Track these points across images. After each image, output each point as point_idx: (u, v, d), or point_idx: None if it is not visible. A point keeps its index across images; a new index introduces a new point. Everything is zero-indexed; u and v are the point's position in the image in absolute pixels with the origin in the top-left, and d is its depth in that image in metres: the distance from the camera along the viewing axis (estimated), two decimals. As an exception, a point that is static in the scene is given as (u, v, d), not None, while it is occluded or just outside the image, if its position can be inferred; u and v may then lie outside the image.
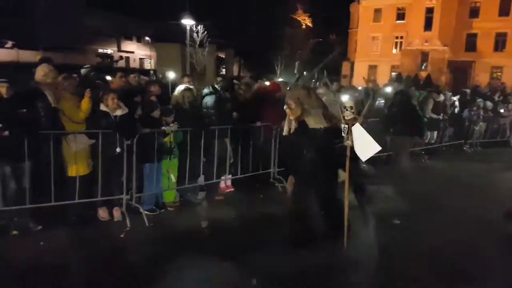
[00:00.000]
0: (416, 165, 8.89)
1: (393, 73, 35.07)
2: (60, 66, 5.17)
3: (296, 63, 30.43)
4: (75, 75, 5.87)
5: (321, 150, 4.22)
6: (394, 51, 40.90)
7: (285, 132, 4.59)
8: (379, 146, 4.13)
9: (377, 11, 41.43)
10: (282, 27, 43.17)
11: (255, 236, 4.87)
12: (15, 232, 4.59)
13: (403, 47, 39.45)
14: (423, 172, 8.62)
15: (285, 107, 4.43)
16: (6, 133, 4.33)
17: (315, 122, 4.28)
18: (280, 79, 12.45)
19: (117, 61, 34.81)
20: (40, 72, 4.99)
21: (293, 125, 4.44)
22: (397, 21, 40.32)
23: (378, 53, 41.51)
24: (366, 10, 41.84)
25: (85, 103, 4.94)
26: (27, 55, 30.64)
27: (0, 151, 4.38)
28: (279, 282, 3.84)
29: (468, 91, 13.01)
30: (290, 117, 4.42)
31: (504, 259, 4.47)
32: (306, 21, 49.70)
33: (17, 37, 31.44)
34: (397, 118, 7.57)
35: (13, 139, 4.37)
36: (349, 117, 4.38)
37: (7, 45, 32.44)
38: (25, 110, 4.50)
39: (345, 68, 44.34)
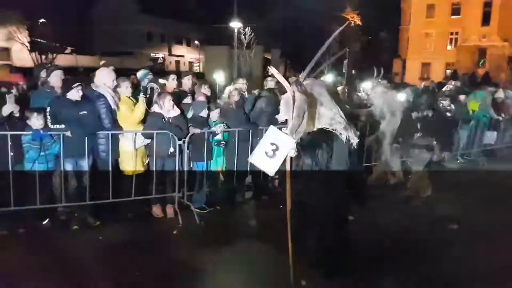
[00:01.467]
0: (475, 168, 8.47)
1: (448, 71, 33.49)
2: (115, 70, 5.48)
3: (345, 62, 29.82)
4: (132, 77, 6.17)
5: None
6: (448, 47, 39.06)
7: None
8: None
9: (430, 7, 39.73)
10: (329, 26, 42.57)
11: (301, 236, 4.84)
12: (75, 227, 4.89)
13: (458, 44, 37.53)
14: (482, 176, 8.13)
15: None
16: (69, 133, 4.63)
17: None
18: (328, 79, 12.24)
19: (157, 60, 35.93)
20: (100, 76, 5.28)
21: None
22: (452, 17, 38.45)
23: (431, 50, 39.81)
24: (418, 6, 40.25)
25: (140, 107, 5.18)
26: (85, 60, 32.60)
27: (63, 150, 4.69)
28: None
29: None
30: None
31: None
32: (355, 19, 48.65)
33: (76, 43, 33.52)
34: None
35: (75, 139, 4.67)
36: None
37: (66, 51, 34.71)
38: (85, 112, 4.80)
39: (396, 66, 42.92)
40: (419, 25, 40.26)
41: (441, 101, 8.62)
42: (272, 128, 3.44)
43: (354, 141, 3.64)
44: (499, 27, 34.18)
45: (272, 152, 3.38)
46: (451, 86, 10.14)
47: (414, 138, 5.62)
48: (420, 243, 4.71)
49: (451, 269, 4.18)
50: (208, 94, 6.25)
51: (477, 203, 6.05)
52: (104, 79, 5.17)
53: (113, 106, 5.07)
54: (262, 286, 3.81)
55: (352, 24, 48.22)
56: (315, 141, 3.58)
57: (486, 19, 35.01)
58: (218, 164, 5.84)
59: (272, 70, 3.68)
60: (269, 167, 3.40)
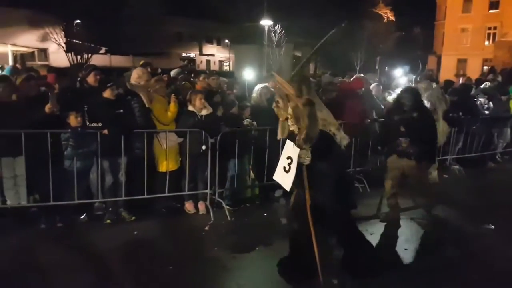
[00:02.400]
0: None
1: (485, 67, 32.20)
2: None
3: (377, 58, 29.22)
4: (165, 77, 6.30)
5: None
6: (486, 43, 37.49)
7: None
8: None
9: (467, 1, 38.26)
10: (361, 22, 41.80)
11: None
12: (108, 221, 5.05)
13: (496, 39, 35.98)
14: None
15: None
16: (105, 131, 4.79)
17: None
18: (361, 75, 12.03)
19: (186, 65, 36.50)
20: (135, 75, 5.44)
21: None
22: (490, 11, 36.87)
23: (467, 46, 38.35)
24: (454, 0, 38.89)
25: (172, 107, 5.30)
26: (118, 60, 33.44)
27: (100, 148, 4.85)
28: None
29: None
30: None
31: None
32: (388, 14, 47.60)
33: (109, 43, 34.42)
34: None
35: (111, 137, 4.82)
36: None
37: (101, 51, 35.74)
38: (121, 110, 4.94)
39: (431, 62, 41.66)
40: (454, 20, 38.89)
41: (479, 99, 8.32)
42: (288, 143, 3.48)
43: (345, 141, 3.65)
44: (540, 21, 32.59)
45: (288, 166, 3.45)
46: (489, 83, 9.76)
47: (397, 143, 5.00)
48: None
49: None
50: (238, 93, 6.30)
51: None
52: (138, 77, 5.31)
53: (147, 105, 5.19)
54: (291, 284, 3.79)
55: (385, 20, 47.21)
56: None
57: (526, 13, 33.45)
58: (250, 162, 5.87)
59: (275, 76, 3.62)
60: (287, 182, 3.47)
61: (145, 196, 5.14)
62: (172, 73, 6.76)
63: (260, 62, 27.04)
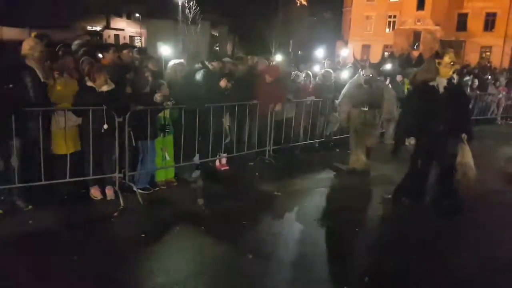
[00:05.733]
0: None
1: (386, 53, 34.84)
2: (49, 43, 4.97)
3: (291, 41, 30.03)
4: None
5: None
6: (387, 30, 40.54)
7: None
8: None
9: (371, -11, 40.85)
10: (276, 5, 42.41)
11: (248, 214, 4.83)
12: (0, 212, 4.46)
13: (396, 27, 39.09)
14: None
15: (448, 61, 4.69)
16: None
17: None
18: (278, 59, 12.14)
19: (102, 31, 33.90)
20: (26, 46, 4.75)
21: (443, 82, 4.75)
22: (391, 0, 39.83)
23: (371, 33, 41.14)
24: (360, -12, 41.23)
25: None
26: (13, 33, 29.80)
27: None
28: (268, 258, 3.88)
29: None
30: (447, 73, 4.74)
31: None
32: (301, -1, 48.89)
33: (1, 14, 30.49)
34: None
35: (-1, 116, 4.19)
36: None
37: (-11, 22, 31.49)
38: (11, 85, 4.31)
39: (339, 47, 43.94)
40: (360, 8, 41.33)
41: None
42: None
43: None
44: (432, 12, 36.06)
45: None
46: (388, 66, 10.51)
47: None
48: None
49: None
50: (155, 69, 5.92)
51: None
52: (30, 48, 4.64)
53: (43, 80, 4.60)
54: (208, 269, 3.71)
55: (298, 4, 48.45)
56: None
57: (421, 4, 36.75)
58: (163, 142, 5.57)
59: None
60: None
61: (43, 183, 4.60)
62: (73, 46, 6.11)
63: (175, 38, 26.10)
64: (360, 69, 6.32)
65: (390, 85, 9.02)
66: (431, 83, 4.84)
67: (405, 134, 5.83)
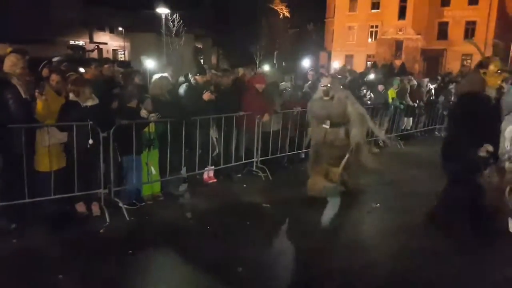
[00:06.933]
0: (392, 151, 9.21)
1: (369, 62, 35.41)
2: (30, 59, 4.88)
3: (275, 53, 30.27)
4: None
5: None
6: (369, 40, 41.21)
7: None
8: None
9: (353, 1, 41.54)
10: (260, 17, 42.83)
11: (237, 227, 4.80)
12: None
13: (378, 37, 39.79)
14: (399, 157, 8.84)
15: (494, 69, 4.33)
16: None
17: None
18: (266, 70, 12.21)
19: (92, 51, 33.78)
20: (9, 63, 4.68)
21: (492, 93, 4.28)
22: (372, 10, 40.56)
23: (354, 43, 41.75)
24: (341, 0, 41.93)
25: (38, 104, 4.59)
26: (-7, 48, 29.28)
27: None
28: (258, 271, 3.85)
29: (439, 78, 13.38)
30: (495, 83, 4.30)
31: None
32: (283, 10, 49.47)
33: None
34: None
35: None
36: None
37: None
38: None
39: (322, 57, 44.50)
40: (342, 19, 41.97)
41: (362, 90, 9.16)
42: None
43: None
44: (413, 21, 36.83)
45: None
46: (371, 76, 10.70)
47: None
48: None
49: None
50: (140, 83, 5.91)
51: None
52: (12, 65, 4.58)
53: (24, 96, 4.52)
54: (198, 284, 3.66)
55: (281, 16, 49.03)
56: None
57: (402, 13, 37.46)
58: (149, 157, 5.53)
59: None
60: None
61: (26, 200, 4.50)
62: (53, 62, 6.06)
63: (159, 51, 26.05)
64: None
65: (372, 95, 9.23)
66: (480, 94, 4.15)
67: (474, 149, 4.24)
